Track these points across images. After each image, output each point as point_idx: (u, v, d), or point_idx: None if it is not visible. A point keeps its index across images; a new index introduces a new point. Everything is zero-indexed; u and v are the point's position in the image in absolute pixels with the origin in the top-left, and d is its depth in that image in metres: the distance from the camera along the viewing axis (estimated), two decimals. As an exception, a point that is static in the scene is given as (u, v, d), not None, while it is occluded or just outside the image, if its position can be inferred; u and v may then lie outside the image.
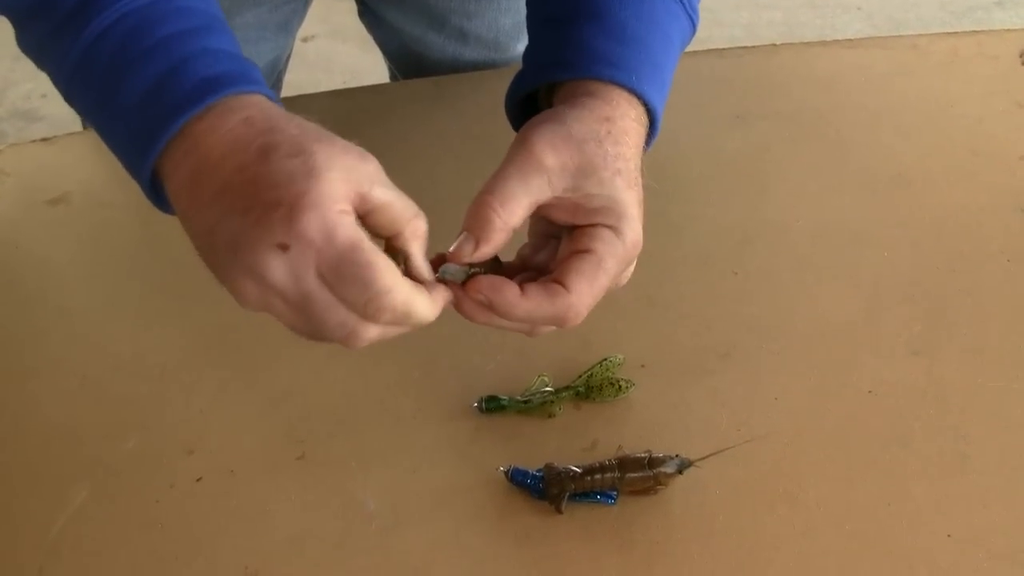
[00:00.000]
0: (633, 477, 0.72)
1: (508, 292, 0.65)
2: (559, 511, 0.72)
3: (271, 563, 0.71)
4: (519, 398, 0.78)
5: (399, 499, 0.75)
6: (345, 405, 0.81)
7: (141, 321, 0.89)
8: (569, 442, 0.77)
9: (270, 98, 0.65)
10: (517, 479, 0.74)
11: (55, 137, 1.09)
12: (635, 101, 0.71)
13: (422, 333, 0.85)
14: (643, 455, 0.73)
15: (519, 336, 0.84)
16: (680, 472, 0.72)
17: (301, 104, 1.15)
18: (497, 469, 0.75)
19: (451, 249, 0.66)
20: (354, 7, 1.27)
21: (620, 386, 0.80)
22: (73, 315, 0.91)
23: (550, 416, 0.79)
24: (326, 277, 0.60)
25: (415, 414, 0.80)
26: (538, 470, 0.74)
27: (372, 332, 0.62)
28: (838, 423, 0.78)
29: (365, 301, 0.60)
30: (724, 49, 1.18)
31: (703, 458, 0.73)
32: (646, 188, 0.70)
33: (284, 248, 0.58)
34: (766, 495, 0.74)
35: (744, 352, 0.84)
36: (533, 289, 0.65)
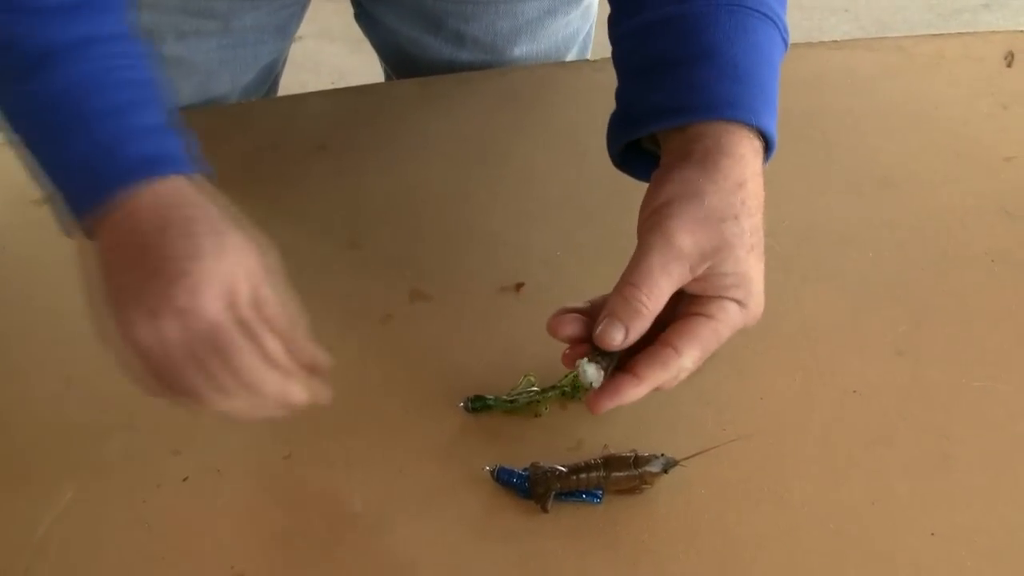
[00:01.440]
0: (619, 476, 0.72)
1: (627, 391, 0.69)
2: (545, 510, 0.72)
3: (257, 563, 0.71)
4: (505, 397, 0.78)
5: (385, 498, 0.75)
6: (332, 405, 0.81)
7: (128, 321, 0.89)
8: (555, 441, 0.77)
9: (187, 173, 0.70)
10: (503, 478, 0.74)
11: (42, 137, 1.09)
12: (755, 140, 0.72)
13: (408, 333, 0.86)
14: (628, 454, 0.73)
15: (505, 336, 0.85)
16: (665, 471, 0.73)
17: (289, 105, 1.16)
18: (483, 468, 0.75)
19: (597, 333, 0.69)
20: (342, 8, 1.27)
21: None
22: (59, 315, 0.90)
23: (536, 416, 0.79)
24: (192, 347, 0.65)
25: (401, 414, 0.80)
26: (524, 469, 0.74)
27: (221, 405, 0.67)
28: (823, 423, 0.79)
29: (224, 374, 0.65)
30: (711, 51, 1.18)
31: (688, 457, 0.73)
32: None
33: (154, 313, 0.64)
34: (751, 494, 0.74)
35: (730, 351, 0.83)
36: (644, 368, 0.69)
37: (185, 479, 0.77)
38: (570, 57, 1.25)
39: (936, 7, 3.23)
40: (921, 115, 1.09)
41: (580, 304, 0.73)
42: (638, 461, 0.72)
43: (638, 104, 0.77)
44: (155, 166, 0.69)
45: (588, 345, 0.71)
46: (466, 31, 1.18)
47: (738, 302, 0.69)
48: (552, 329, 0.72)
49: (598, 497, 0.73)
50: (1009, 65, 1.15)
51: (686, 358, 0.68)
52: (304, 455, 0.78)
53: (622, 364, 0.70)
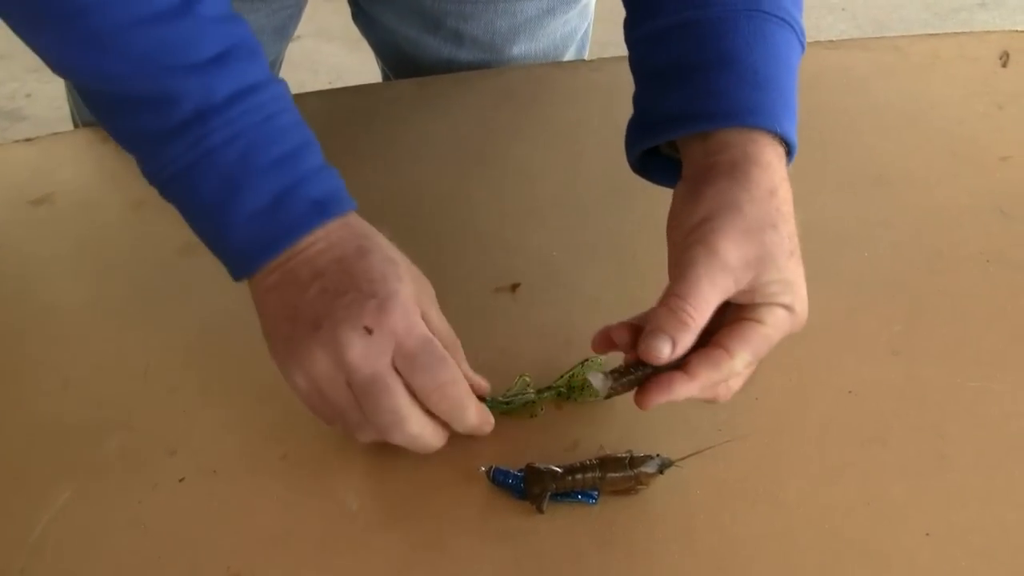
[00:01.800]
0: (614, 477, 0.72)
1: (678, 386, 0.69)
2: (540, 511, 0.73)
3: (254, 563, 0.71)
4: (500, 399, 0.78)
5: (381, 499, 0.75)
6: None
7: (124, 321, 0.89)
8: (550, 442, 0.78)
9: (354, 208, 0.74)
10: (499, 479, 0.74)
11: (38, 137, 1.09)
12: (778, 146, 0.73)
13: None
14: (624, 455, 0.73)
15: (501, 336, 0.85)
16: (661, 472, 0.73)
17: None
18: (479, 469, 0.75)
19: (643, 347, 0.69)
20: (339, 7, 1.27)
21: None
22: (56, 315, 0.91)
23: (532, 416, 0.79)
24: (398, 364, 0.68)
25: (398, 414, 0.80)
26: (520, 470, 0.74)
27: (415, 426, 0.70)
28: (818, 423, 0.79)
29: (434, 387, 0.69)
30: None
31: (684, 458, 0.73)
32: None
33: (369, 331, 0.67)
34: (747, 494, 0.74)
35: (725, 352, 0.84)
36: (697, 367, 0.69)
37: (181, 480, 0.77)
38: (568, 56, 1.26)
39: (933, 6, 3.23)
40: (917, 114, 1.09)
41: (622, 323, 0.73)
42: (634, 462, 0.73)
43: (655, 109, 0.77)
44: (325, 208, 0.72)
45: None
46: (465, 30, 1.18)
47: (786, 307, 0.70)
48: (597, 343, 0.73)
49: (594, 498, 0.73)
50: (1004, 65, 1.15)
51: (738, 360, 0.68)
52: (300, 456, 0.78)
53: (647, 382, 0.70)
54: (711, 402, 0.72)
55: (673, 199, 0.74)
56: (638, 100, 0.79)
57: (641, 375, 0.70)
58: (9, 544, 0.73)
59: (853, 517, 0.73)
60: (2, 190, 1.03)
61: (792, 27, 0.76)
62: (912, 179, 1.01)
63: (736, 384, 0.72)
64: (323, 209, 0.71)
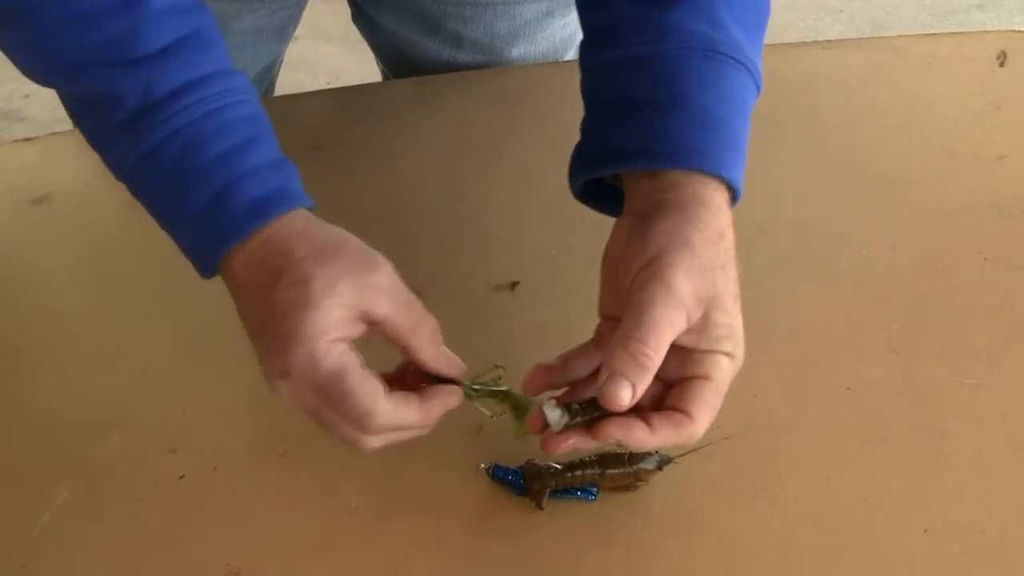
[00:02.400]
0: (613, 473, 0.73)
1: (638, 432, 0.67)
2: (540, 507, 0.73)
3: (254, 560, 0.72)
4: (472, 385, 0.74)
5: (381, 496, 0.75)
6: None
7: (124, 319, 0.89)
8: (550, 439, 0.78)
9: (305, 205, 0.71)
10: (498, 476, 0.74)
11: (37, 137, 1.09)
12: (725, 191, 0.71)
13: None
14: (623, 451, 0.73)
15: (500, 334, 0.85)
16: (660, 468, 0.73)
17: (284, 105, 1.16)
18: (478, 466, 0.75)
19: (603, 391, 0.66)
20: (339, 8, 1.27)
21: None
22: (56, 314, 0.91)
23: (493, 416, 0.74)
24: (321, 399, 0.66)
25: (397, 412, 0.80)
26: (519, 467, 0.74)
27: (375, 443, 0.68)
28: (816, 420, 0.79)
29: (353, 420, 0.66)
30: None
31: (682, 455, 0.74)
32: None
33: (284, 376, 0.65)
34: (745, 491, 0.74)
35: (724, 350, 0.84)
36: (659, 423, 0.67)
37: (182, 477, 0.77)
38: (567, 59, 1.26)
39: (930, 7, 3.24)
40: (914, 114, 1.10)
41: (552, 361, 0.73)
42: (632, 458, 0.73)
43: (603, 141, 0.76)
44: (266, 208, 0.69)
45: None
46: (464, 33, 1.18)
47: (728, 355, 0.68)
48: (531, 385, 0.72)
49: (593, 494, 0.73)
50: (1002, 64, 1.16)
51: (699, 425, 0.67)
52: (300, 453, 0.78)
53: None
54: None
55: (614, 231, 0.73)
56: (586, 127, 0.78)
57: (598, 416, 0.68)
58: (10, 541, 0.73)
59: (851, 514, 0.73)
60: (1, 190, 1.04)
61: (749, 70, 0.75)
62: (910, 178, 1.01)
63: (692, 441, 0.69)
64: (263, 209, 0.68)
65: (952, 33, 1.22)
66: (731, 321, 0.68)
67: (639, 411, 0.68)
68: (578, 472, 0.73)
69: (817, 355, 0.84)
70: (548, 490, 0.73)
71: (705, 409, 0.67)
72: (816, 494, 0.74)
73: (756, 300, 0.88)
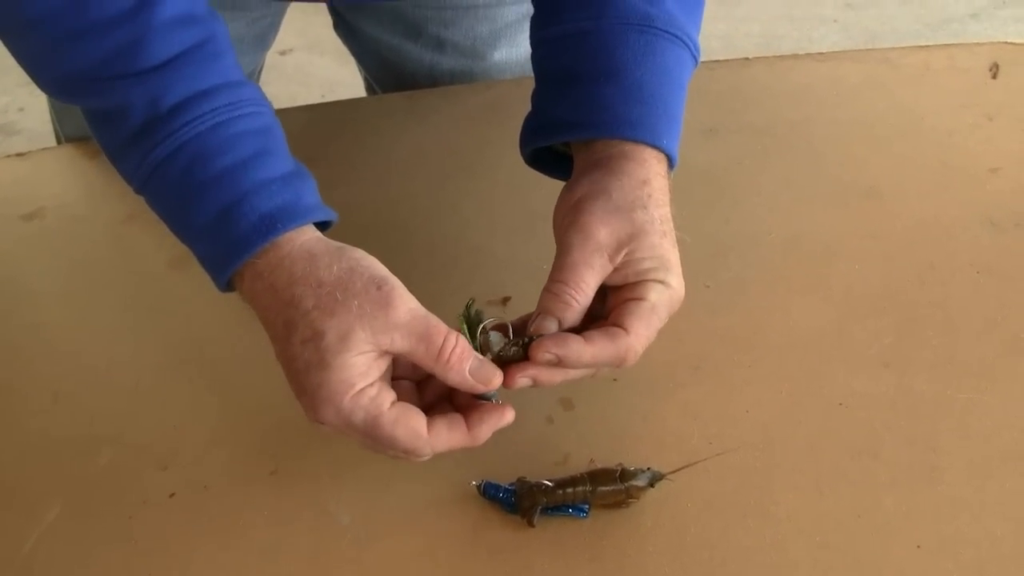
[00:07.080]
0: (605, 490, 0.72)
1: (573, 343, 0.69)
2: (531, 524, 0.72)
3: (244, 578, 0.71)
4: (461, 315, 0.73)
5: (372, 513, 0.75)
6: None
7: (115, 336, 0.89)
8: (541, 456, 0.77)
9: (318, 218, 0.72)
10: (489, 493, 0.74)
11: (29, 152, 1.09)
12: (660, 155, 0.75)
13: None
14: (615, 468, 0.73)
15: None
16: (652, 485, 0.73)
17: (278, 118, 1.16)
18: (470, 483, 0.75)
19: (533, 329, 0.71)
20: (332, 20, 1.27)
21: None
22: (47, 330, 0.91)
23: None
24: (364, 438, 0.68)
25: (388, 428, 0.80)
26: (510, 484, 0.74)
27: (429, 451, 0.69)
28: (809, 435, 0.79)
29: (402, 454, 0.69)
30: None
31: (675, 471, 0.73)
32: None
33: (320, 424, 0.67)
34: (737, 507, 0.74)
35: (715, 365, 0.84)
36: (594, 334, 0.70)
37: (172, 495, 0.77)
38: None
39: (924, 17, 3.24)
40: (907, 126, 1.09)
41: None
42: (624, 475, 0.73)
43: (547, 112, 0.80)
44: (277, 222, 0.68)
45: None
46: (446, 36, 1.18)
47: (660, 282, 0.71)
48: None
49: (584, 511, 0.73)
50: (994, 76, 1.16)
51: (633, 335, 0.70)
52: (290, 470, 0.78)
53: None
54: (618, 366, 0.71)
55: (560, 193, 0.77)
56: (535, 99, 0.82)
57: (530, 341, 0.70)
58: (0, 559, 0.73)
59: (844, 529, 0.73)
60: (-9, 206, 1.03)
61: (685, 44, 0.79)
62: (902, 190, 1.01)
63: (631, 359, 0.71)
64: (273, 223, 0.68)
65: (945, 45, 1.22)
66: (661, 253, 0.71)
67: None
68: (569, 489, 0.72)
69: (809, 369, 0.84)
70: (539, 507, 0.72)
71: (639, 324, 0.70)
72: (809, 510, 0.74)
73: (748, 313, 0.89)
